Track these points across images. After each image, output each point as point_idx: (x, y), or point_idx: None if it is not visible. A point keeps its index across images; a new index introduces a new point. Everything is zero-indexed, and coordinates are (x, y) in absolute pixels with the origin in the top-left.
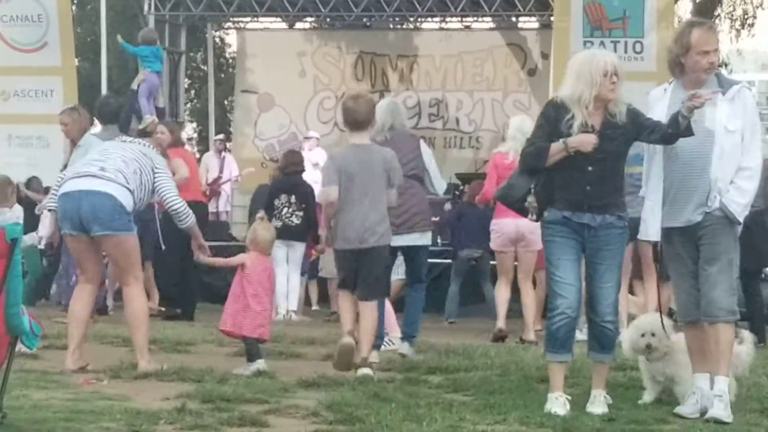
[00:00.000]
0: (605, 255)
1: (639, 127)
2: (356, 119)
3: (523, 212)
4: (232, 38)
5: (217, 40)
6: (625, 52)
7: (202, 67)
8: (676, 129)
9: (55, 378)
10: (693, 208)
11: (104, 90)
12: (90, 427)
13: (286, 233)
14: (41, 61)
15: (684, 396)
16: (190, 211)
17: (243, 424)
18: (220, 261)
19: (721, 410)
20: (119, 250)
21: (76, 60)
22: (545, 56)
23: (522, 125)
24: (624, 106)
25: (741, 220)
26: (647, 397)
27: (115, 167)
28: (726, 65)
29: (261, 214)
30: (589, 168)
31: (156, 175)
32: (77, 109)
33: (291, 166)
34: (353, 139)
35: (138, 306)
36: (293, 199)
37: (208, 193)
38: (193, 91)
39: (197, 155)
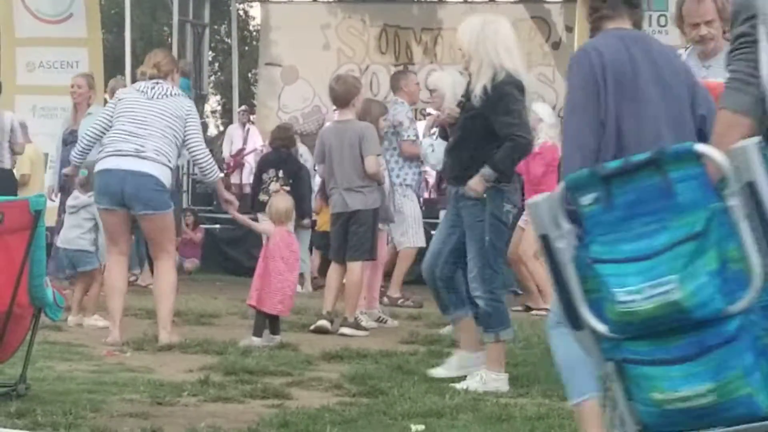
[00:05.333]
0: None
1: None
2: (335, 98)
3: None
4: (255, 11)
5: (241, 12)
6: (650, 25)
7: (226, 39)
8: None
9: (79, 350)
10: None
11: (128, 63)
12: (113, 399)
13: None
14: (67, 32)
15: None
16: (216, 168)
17: (266, 396)
18: (245, 220)
19: None
20: (156, 227)
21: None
22: (569, 29)
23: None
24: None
25: None
26: None
27: (154, 147)
28: None
29: (275, 187)
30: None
31: (187, 130)
32: (92, 76)
33: (277, 141)
34: (337, 116)
35: (168, 279)
36: (281, 174)
37: (232, 164)
38: (216, 64)
39: (221, 128)
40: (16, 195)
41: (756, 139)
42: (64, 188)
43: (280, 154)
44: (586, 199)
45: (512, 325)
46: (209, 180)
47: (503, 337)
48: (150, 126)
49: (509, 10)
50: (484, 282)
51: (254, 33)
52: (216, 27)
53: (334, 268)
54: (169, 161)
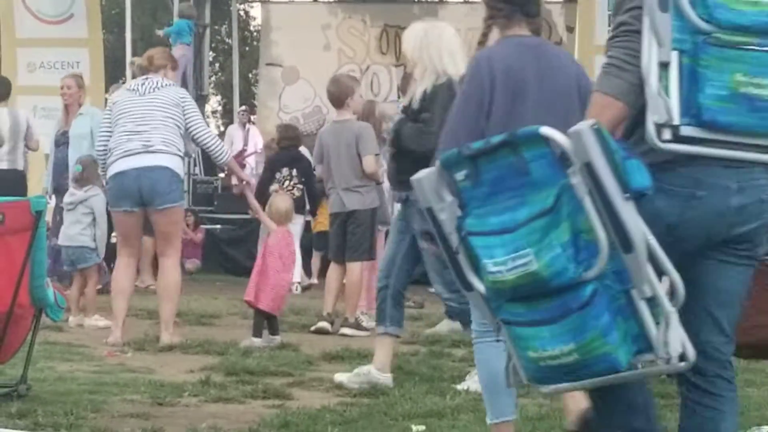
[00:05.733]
0: None
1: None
2: (331, 99)
3: None
4: (256, 11)
5: (242, 13)
6: None
7: (227, 40)
8: None
9: (80, 350)
10: None
11: (129, 64)
12: (114, 399)
13: None
14: (67, 33)
15: None
16: (225, 148)
17: (267, 397)
18: (257, 208)
19: None
20: (170, 221)
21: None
22: (570, 29)
23: None
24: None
25: None
26: None
27: (160, 139)
28: None
29: (275, 187)
30: None
31: (186, 116)
32: (81, 76)
33: (285, 140)
34: (335, 116)
35: (172, 279)
36: (294, 172)
37: None
38: (217, 65)
39: (221, 128)
40: (25, 197)
41: (591, 121)
42: (59, 189)
43: (292, 154)
44: (459, 176)
45: None
46: (221, 161)
47: (387, 330)
48: (150, 120)
49: None
50: (447, 284)
51: (255, 33)
52: (217, 27)
53: (333, 269)
54: (179, 150)
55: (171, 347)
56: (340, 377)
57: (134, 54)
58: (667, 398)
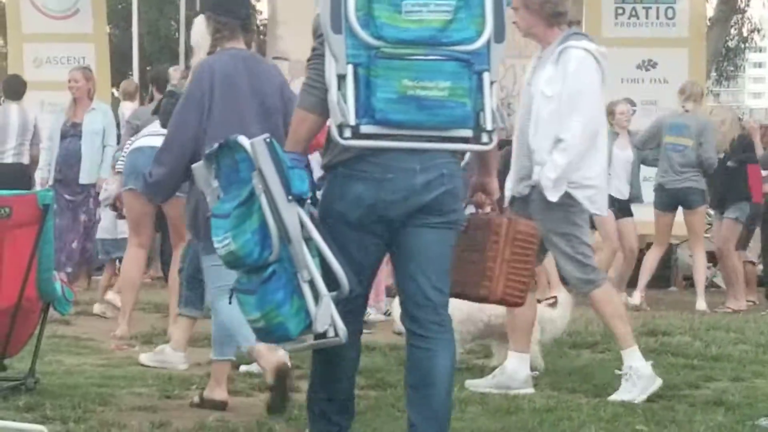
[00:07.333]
0: None
1: None
2: None
3: None
4: (262, 5)
5: None
6: (657, 17)
7: None
8: None
9: (88, 344)
10: (518, 178)
11: (136, 58)
12: (122, 393)
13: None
14: (73, 28)
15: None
16: None
17: None
18: None
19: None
20: (183, 213)
21: (107, 27)
22: (577, 23)
23: None
24: None
25: (553, 197)
26: None
27: None
28: (759, 31)
29: None
30: None
31: None
32: (89, 68)
33: None
34: None
35: None
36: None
37: None
38: None
39: None
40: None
41: (264, 135)
42: (64, 181)
43: None
44: (213, 168)
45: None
46: None
47: (182, 312)
48: None
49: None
50: (183, 259)
51: (261, 27)
52: None
53: None
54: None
55: None
56: (142, 357)
57: (141, 48)
58: (674, 389)
